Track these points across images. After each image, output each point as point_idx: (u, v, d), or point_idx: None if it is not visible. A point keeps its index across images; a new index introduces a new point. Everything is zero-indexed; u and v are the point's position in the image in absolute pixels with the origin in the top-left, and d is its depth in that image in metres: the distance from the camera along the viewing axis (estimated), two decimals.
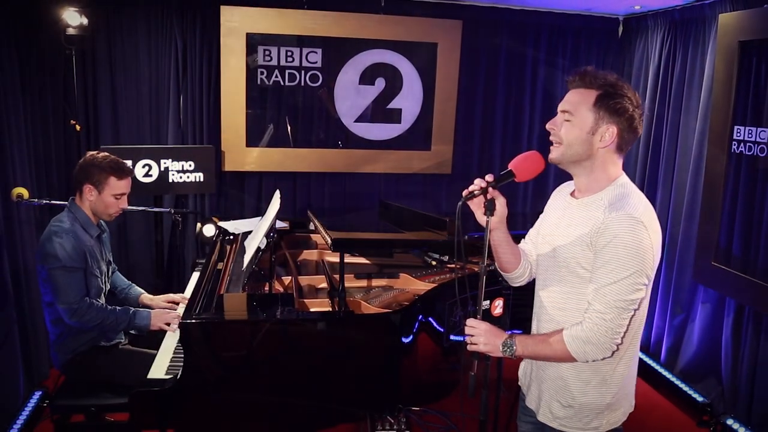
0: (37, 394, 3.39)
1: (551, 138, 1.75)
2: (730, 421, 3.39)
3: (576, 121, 1.69)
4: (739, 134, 3.36)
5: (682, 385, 3.80)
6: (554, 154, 1.74)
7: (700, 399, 3.63)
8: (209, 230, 3.70)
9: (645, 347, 4.29)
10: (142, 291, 3.04)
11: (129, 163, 3.67)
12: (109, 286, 2.89)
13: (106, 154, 2.70)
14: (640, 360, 3.85)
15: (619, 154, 1.73)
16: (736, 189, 3.44)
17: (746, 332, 3.43)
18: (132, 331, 2.86)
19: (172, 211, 3.67)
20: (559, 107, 1.74)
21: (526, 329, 2.00)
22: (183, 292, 3.15)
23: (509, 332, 1.77)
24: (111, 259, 2.93)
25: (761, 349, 3.34)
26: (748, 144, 3.30)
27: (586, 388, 1.77)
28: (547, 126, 1.75)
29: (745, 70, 3.34)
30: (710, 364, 3.74)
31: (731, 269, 3.41)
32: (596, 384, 1.77)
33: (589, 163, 1.72)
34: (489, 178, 1.72)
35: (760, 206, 3.30)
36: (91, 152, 2.70)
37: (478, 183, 1.72)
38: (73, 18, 3.59)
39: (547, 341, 1.73)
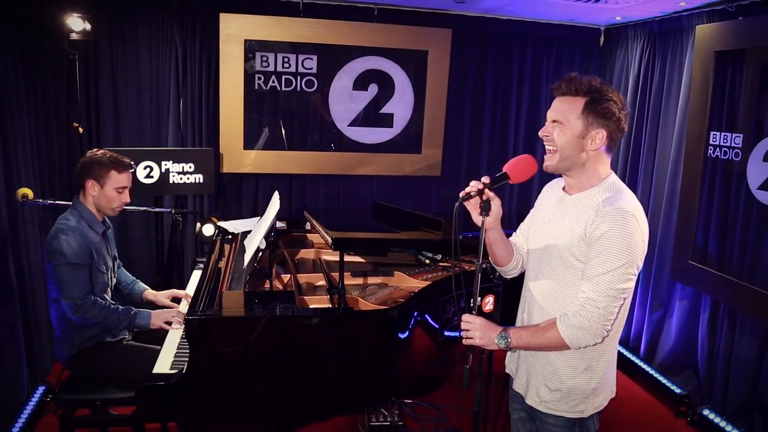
0: (41, 389, 3.42)
1: (546, 145, 1.80)
2: (706, 412, 3.48)
3: (566, 129, 1.75)
4: (714, 139, 3.47)
5: (661, 378, 3.89)
6: (550, 162, 1.80)
7: (677, 391, 3.72)
8: (208, 230, 3.75)
9: (625, 341, 4.38)
10: (146, 287, 3.09)
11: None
12: (115, 281, 2.92)
13: (106, 150, 2.75)
14: (621, 353, 4.03)
15: (608, 154, 1.80)
16: (711, 191, 3.54)
17: (721, 327, 3.53)
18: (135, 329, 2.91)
19: (173, 211, 3.71)
20: (549, 116, 1.79)
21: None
22: (184, 290, 3.19)
23: (503, 327, 1.83)
24: (116, 255, 2.97)
25: (735, 344, 3.44)
26: (723, 149, 3.41)
27: (574, 373, 1.84)
28: (540, 133, 1.81)
29: (721, 79, 3.44)
30: (687, 358, 3.84)
31: (707, 268, 3.51)
32: (583, 369, 1.83)
33: (581, 165, 1.79)
34: (485, 180, 1.75)
35: (735, 208, 3.39)
36: (92, 150, 2.74)
37: (474, 185, 1.74)
38: (76, 24, 3.65)
39: (541, 331, 1.78)
